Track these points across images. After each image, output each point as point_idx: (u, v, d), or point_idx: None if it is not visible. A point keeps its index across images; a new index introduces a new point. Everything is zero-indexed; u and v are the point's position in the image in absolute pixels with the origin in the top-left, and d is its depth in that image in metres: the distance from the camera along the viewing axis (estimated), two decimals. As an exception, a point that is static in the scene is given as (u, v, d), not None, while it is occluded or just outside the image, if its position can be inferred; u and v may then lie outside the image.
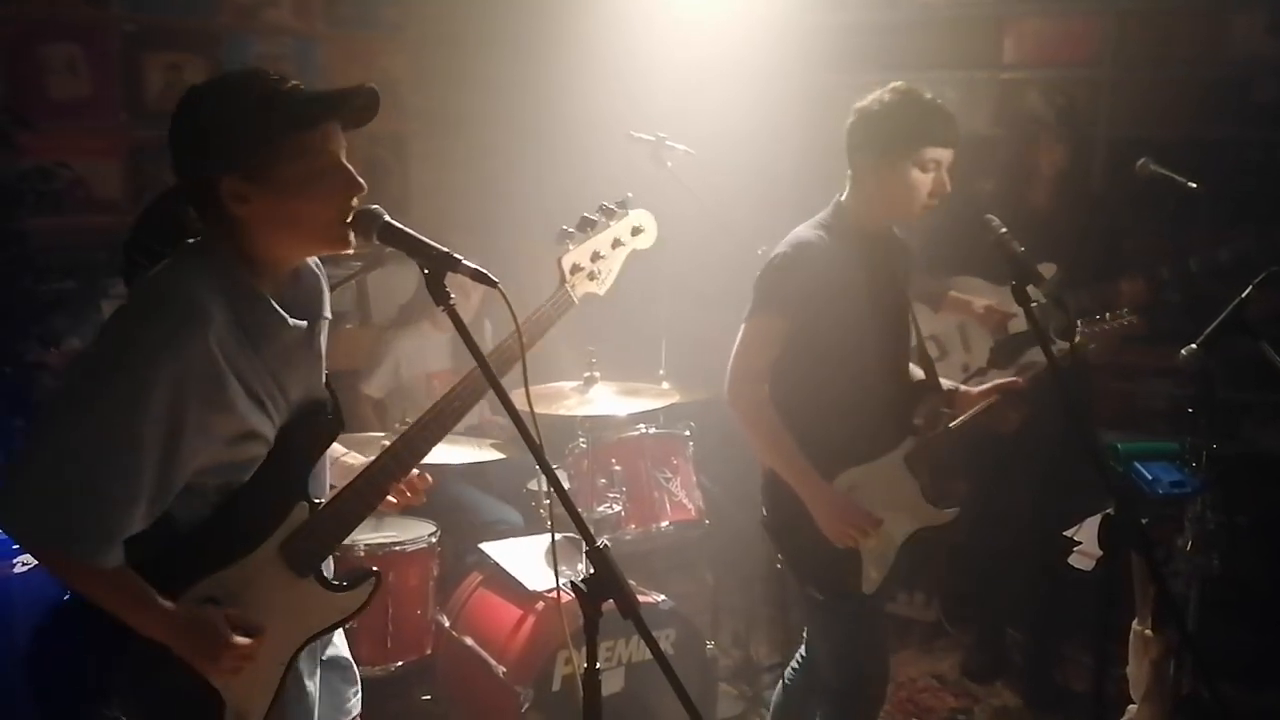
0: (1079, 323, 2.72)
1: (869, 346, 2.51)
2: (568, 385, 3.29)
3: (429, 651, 3.27)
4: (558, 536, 3.38)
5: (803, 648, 2.83)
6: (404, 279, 4.07)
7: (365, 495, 1.81)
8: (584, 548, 1.62)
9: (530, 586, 3.10)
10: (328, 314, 1.83)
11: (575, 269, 2.02)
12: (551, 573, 3.16)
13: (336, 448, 1.98)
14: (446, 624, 3.23)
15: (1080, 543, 2.93)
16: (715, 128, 3.90)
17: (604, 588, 1.63)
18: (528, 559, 3.27)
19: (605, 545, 1.65)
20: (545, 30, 4.51)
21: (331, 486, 1.88)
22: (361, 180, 1.68)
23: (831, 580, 2.54)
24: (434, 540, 3.30)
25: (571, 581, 1.66)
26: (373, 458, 1.85)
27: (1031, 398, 2.68)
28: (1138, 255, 3.68)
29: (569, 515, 1.71)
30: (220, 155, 1.62)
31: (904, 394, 2.64)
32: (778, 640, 4.01)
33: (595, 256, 2.05)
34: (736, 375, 2.51)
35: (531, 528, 3.62)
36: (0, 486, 1.58)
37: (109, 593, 1.62)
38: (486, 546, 3.36)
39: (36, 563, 2.66)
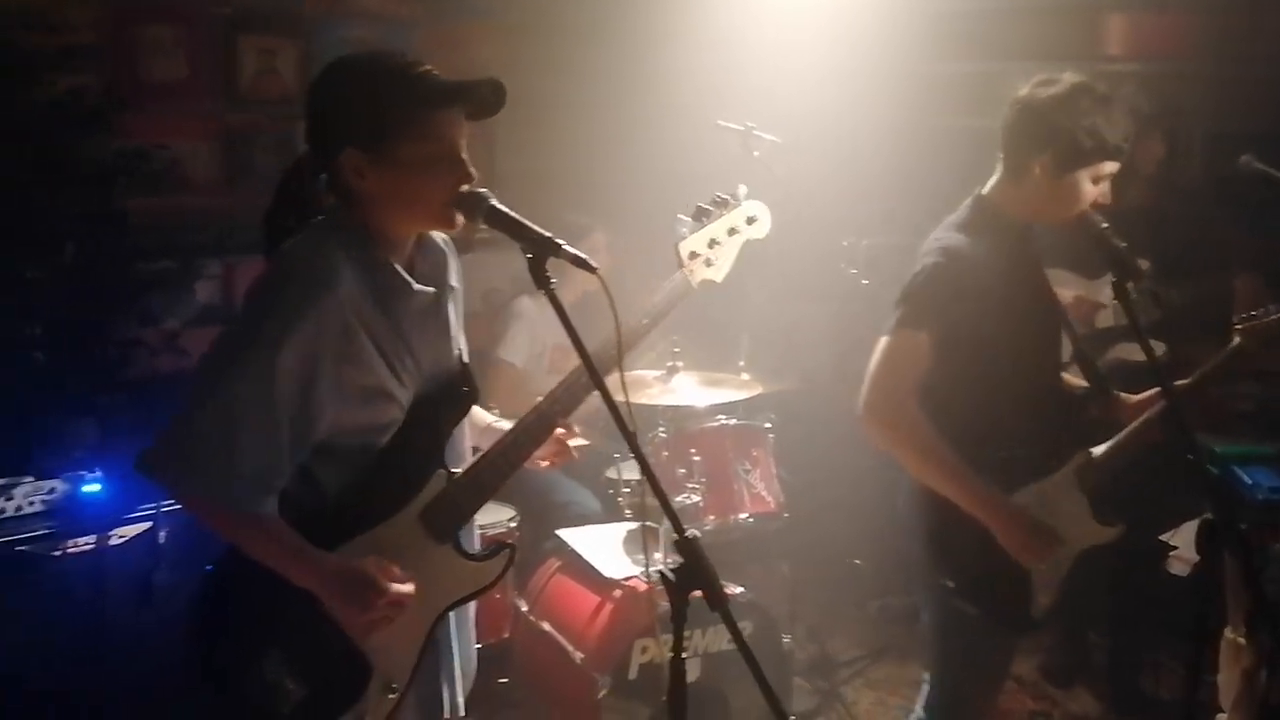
0: (1236, 322, 2.54)
1: (1026, 355, 2.34)
2: (650, 374, 3.28)
3: (507, 635, 3.30)
4: (635, 525, 3.42)
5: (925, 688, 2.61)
6: (497, 265, 4.10)
7: (500, 465, 1.87)
8: (674, 538, 1.62)
9: (607, 574, 3.11)
10: (454, 283, 1.90)
11: (693, 255, 2.07)
12: (628, 561, 3.21)
13: (485, 415, 2.06)
14: (524, 609, 3.25)
15: (1176, 547, 2.85)
16: (802, 116, 3.85)
17: (693, 578, 1.64)
18: (604, 546, 3.28)
19: (695, 536, 1.65)
20: (637, 18, 4.49)
21: (475, 449, 1.95)
22: (474, 171, 1.74)
23: (999, 603, 2.36)
24: (513, 525, 3.32)
25: (660, 571, 1.67)
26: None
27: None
28: (1230, 252, 3.57)
29: (660, 505, 1.73)
30: (343, 129, 1.71)
31: (1064, 404, 2.47)
32: (854, 636, 3.99)
33: (712, 243, 2.09)
34: (881, 392, 2.29)
35: (609, 515, 3.63)
36: (158, 444, 1.67)
37: (265, 540, 1.69)
38: (564, 533, 3.38)
39: (133, 536, 2.77)
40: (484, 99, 1.75)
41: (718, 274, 2.13)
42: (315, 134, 1.76)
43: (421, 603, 1.80)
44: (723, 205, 2.14)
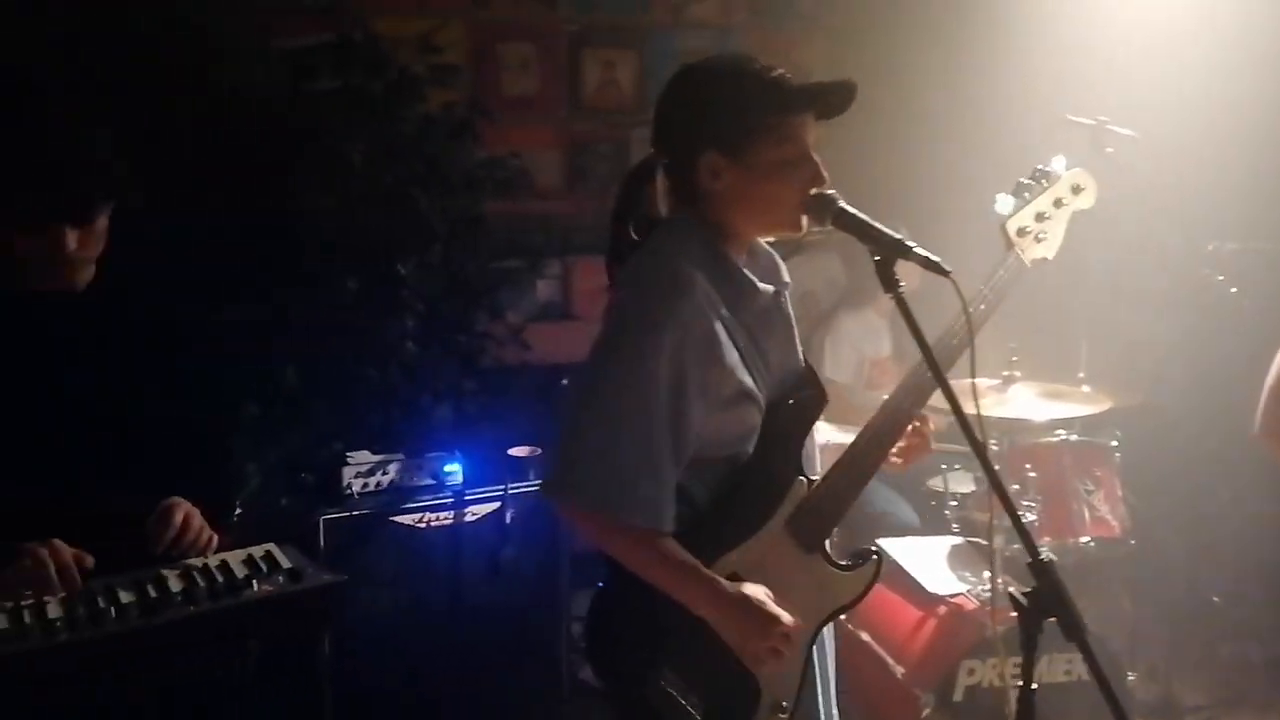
0: None
1: None
2: (985, 383, 3.14)
3: (824, 640, 3.28)
4: (960, 541, 3.29)
5: None
6: (811, 270, 4.08)
7: (858, 468, 1.84)
8: (1007, 557, 1.54)
9: (931, 589, 3.01)
10: (787, 280, 1.89)
11: (1021, 232, 1.98)
12: (953, 577, 3.09)
13: (823, 426, 2.03)
14: (842, 616, 3.20)
15: None
16: (1161, 109, 3.54)
17: (1047, 604, 1.55)
18: (928, 560, 3.17)
19: (1050, 559, 1.57)
20: (967, 14, 4.31)
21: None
22: (825, 173, 1.73)
23: None
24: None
25: (1011, 594, 1.59)
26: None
27: None
28: None
29: (1011, 524, 1.65)
30: (706, 132, 1.72)
31: None
32: (1202, 681, 3.61)
33: (1040, 217, 1.99)
34: None
35: (929, 527, 3.51)
36: (552, 469, 1.71)
37: (661, 563, 1.68)
38: (885, 543, 3.30)
39: (484, 515, 3.01)
40: (838, 102, 1.74)
41: (1049, 250, 2.02)
42: (673, 136, 1.78)
43: (802, 617, 1.76)
44: (1044, 177, 2.03)
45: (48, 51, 2.86)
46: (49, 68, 2.66)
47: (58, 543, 1.77)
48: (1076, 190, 2.04)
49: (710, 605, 1.69)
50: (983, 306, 1.93)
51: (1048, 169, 2.04)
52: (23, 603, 1.68)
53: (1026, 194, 2.01)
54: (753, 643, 1.69)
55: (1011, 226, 1.98)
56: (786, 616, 1.70)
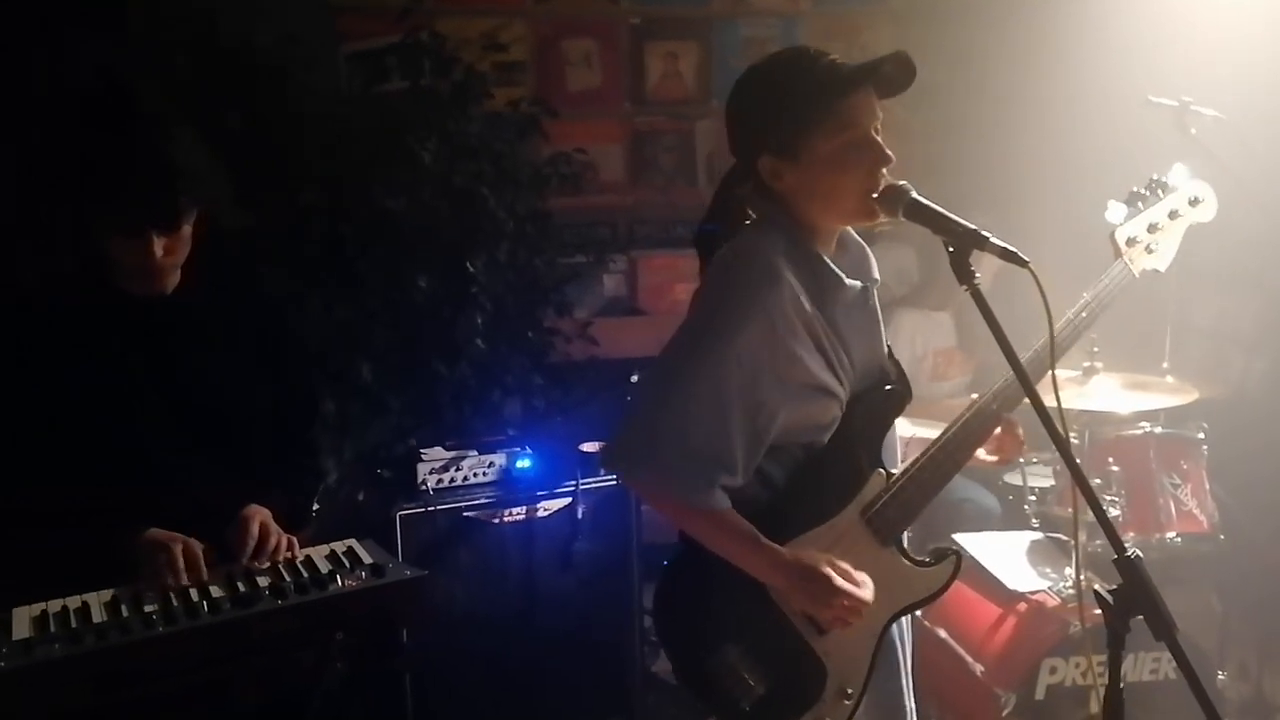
0: None
1: None
2: (1065, 374, 3.07)
3: (898, 637, 3.24)
4: (1040, 536, 3.22)
5: None
6: (890, 259, 4.02)
7: (941, 466, 1.83)
8: (1086, 553, 1.51)
9: (1011, 586, 2.96)
10: (876, 276, 1.87)
11: (1131, 242, 1.95)
12: (1033, 573, 3.03)
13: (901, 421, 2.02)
14: (918, 612, 3.16)
15: None
16: (1250, 88, 3.42)
17: (1134, 602, 1.52)
18: (1006, 556, 3.11)
19: (1137, 555, 1.54)
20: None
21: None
22: (890, 153, 1.69)
23: None
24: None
25: (1097, 591, 1.57)
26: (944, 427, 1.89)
27: None
28: None
29: (1096, 519, 1.62)
30: (756, 138, 1.74)
31: None
32: (1295, 680, 3.51)
33: (1152, 228, 1.96)
34: None
35: (1007, 522, 3.44)
36: (619, 440, 1.75)
37: (720, 533, 1.72)
38: (961, 538, 3.25)
39: (556, 510, 3.02)
40: (890, 76, 1.69)
41: (1161, 262, 1.99)
42: (735, 144, 1.80)
43: (871, 607, 1.76)
44: (1161, 187, 2.00)
45: (135, 59, 2.93)
46: (137, 75, 2.73)
47: (183, 538, 1.83)
48: (1195, 203, 2.01)
49: (772, 572, 1.71)
50: (1084, 315, 1.90)
51: (1164, 179, 2.02)
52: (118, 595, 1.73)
53: (1140, 203, 1.99)
54: (813, 606, 1.70)
55: (1120, 236, 1.95)
56: (843, 583, 1.70)
